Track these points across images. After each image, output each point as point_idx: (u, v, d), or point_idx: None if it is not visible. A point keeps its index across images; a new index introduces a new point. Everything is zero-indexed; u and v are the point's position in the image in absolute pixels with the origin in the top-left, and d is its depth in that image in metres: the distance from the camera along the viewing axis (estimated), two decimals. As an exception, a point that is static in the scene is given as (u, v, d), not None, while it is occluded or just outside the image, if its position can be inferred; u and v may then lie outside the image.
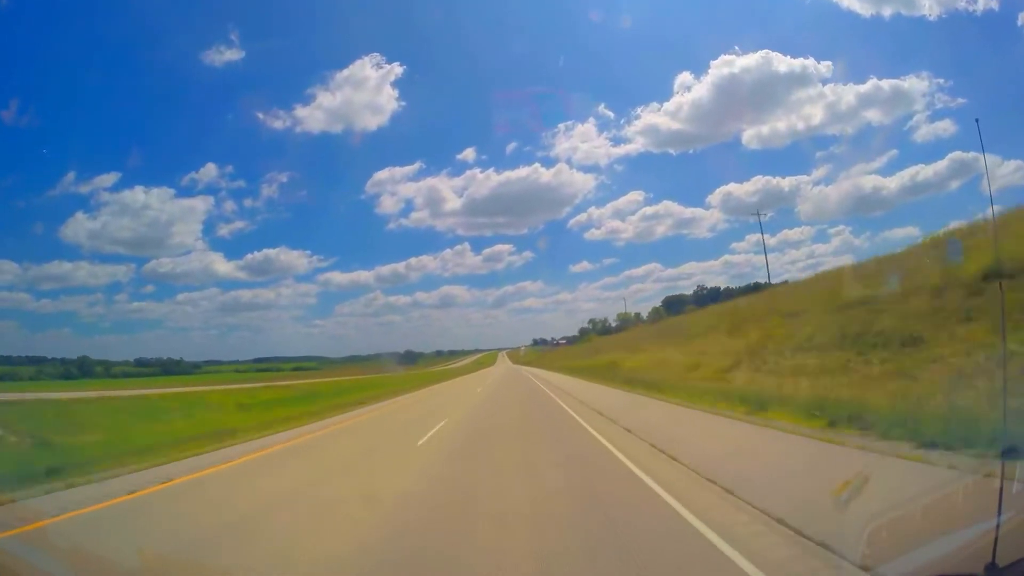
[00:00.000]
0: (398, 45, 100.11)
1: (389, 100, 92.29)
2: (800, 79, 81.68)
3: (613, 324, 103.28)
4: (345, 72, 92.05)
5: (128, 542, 5.61)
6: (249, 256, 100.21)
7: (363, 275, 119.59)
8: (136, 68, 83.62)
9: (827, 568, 4.14)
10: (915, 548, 3.59)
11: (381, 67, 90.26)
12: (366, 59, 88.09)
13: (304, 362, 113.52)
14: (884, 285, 18.75)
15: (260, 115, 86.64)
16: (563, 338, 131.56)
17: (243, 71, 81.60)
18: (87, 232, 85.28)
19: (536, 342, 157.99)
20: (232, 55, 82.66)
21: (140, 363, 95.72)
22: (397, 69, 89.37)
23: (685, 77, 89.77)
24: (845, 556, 4.13)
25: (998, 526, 2.73)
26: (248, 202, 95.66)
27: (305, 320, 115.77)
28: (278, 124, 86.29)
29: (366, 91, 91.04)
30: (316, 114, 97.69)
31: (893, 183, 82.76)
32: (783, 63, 77.37)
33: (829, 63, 75.29)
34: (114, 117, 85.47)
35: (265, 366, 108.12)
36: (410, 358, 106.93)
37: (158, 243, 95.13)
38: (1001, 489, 2.98)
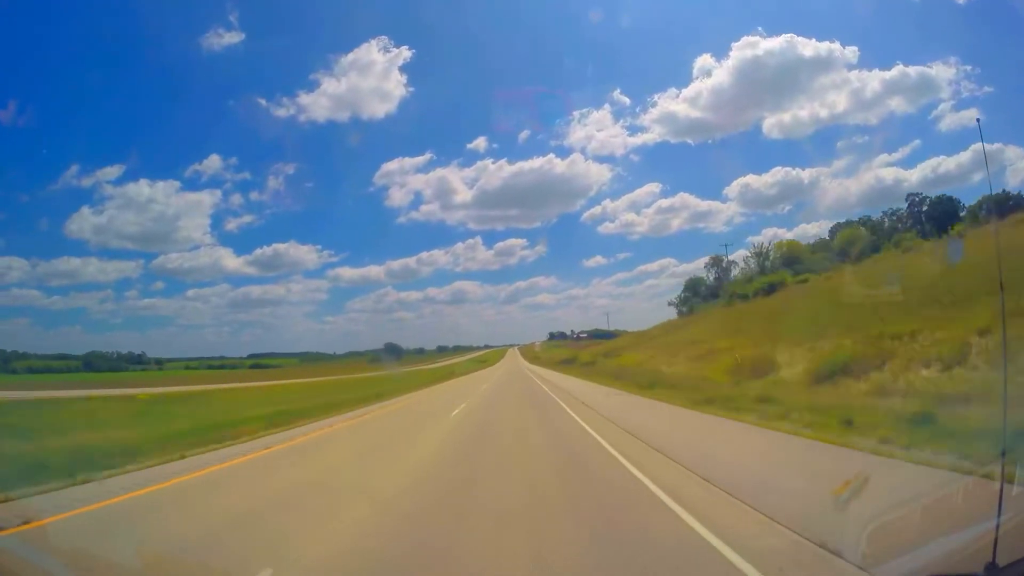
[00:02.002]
0: (405, 27, 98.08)
1: (397, 86, 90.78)
2: (825, 64, 79.35)
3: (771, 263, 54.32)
4: (351, 56, 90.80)
5: None
6: (258, 251, 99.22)
7: (374, 270, 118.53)
8: (132, 53, 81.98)
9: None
10: (916, 548, 3.59)
11: (388, 51, 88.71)
12: (372, 42, 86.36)
13: (281, 359, 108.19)
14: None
15: (263, 102, 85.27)
16: (583, 332, 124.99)
17: (243, 55, 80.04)
18: (93, 227, 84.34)
19: (553, 336, 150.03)
20: (231, 38, 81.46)
21: (94, 356, 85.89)
22: (405, 53, 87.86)
23: (705, 60, 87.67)
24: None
25: (998, 526, 2.74)
26: (255, 195, 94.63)
27: (317, 316, 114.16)
28: (282, 112, 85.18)
29: (373, 76, 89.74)
30: (321, 101, 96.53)
31: (914, 175, 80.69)
32: (808, 47, 75.31)
33: (855, 48, 74.01)
34: (112, 107, 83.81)
35: (220, 363, 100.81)
36: (394, 353, 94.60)
37: (165, 238, 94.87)
38: (1001, 489, 2.99)
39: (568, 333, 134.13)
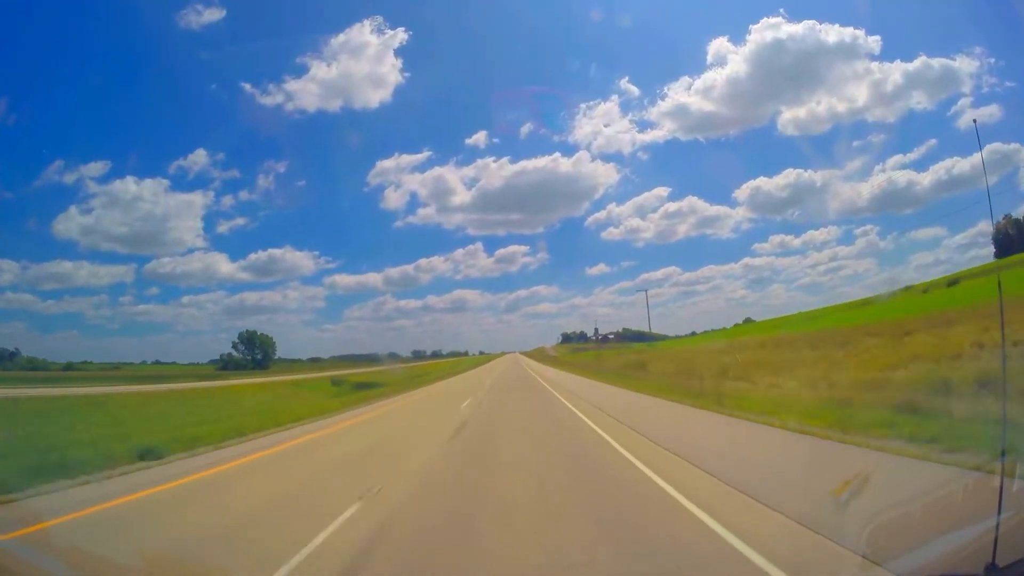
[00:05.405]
0: (400, 6, 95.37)
1: (392, 71, 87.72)
2: (848, 52, 74.01)
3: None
4: (341, 37, 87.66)
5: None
6: (252, 256, 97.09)
7: (372, 277, 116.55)
8: (105, 32, 77.21)
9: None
10: (916, 547, 3.58)
11: (382, 32, 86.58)
12: (365, 23, 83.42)
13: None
14: None
15: (248, 87, 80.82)
16: (611, 332, 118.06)
17: (225, 34, 74.17)
18: (82, 228, 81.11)
19: (568, 337, 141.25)
20: (211, 15, 77.65)
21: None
22: (401, 35, 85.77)
23: (721, 44, 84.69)
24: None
25: (998, 526, 2.74)
26: (245, 195, 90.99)
27: (315, 324, 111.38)
28: (268, 100, 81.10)
29: (366, 60, 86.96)
30: (310, 87, 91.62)
31: (927, 178, 77.98)
32: (831, 32, 69.65)
33: (878, 37, 71.06)
34: (89, 95, 78.96)
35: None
36: (251, 352, 74.11)
37: (157, 240, 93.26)
38: (1001, 489, 2.98)
39: (591, 335, 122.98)
